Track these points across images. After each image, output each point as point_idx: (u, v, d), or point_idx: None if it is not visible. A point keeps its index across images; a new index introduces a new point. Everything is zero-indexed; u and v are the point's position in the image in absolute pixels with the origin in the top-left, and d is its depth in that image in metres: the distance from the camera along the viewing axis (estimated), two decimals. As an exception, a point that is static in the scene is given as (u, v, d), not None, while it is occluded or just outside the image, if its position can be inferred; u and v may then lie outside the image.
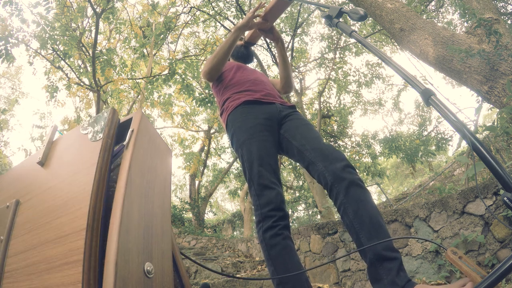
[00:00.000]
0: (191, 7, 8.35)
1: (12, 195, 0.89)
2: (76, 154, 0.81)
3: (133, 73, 9.06)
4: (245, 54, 1.71)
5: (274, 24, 1.57)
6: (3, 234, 0.80)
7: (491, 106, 3.15)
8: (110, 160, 0.76)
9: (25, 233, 0.76)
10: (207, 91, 7.36)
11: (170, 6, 9.23)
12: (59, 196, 0.75)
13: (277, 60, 1.68)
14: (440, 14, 8.29)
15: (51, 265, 0.63)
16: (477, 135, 3.18)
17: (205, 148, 12.44)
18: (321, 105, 10.55)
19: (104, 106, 8.32)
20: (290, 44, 8.86)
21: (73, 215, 0.67)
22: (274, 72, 11.05)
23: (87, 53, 7.77)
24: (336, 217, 6.78)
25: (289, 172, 12.96)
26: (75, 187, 0.72)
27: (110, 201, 0.76)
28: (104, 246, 0.71)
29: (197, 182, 12.09)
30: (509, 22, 4.96)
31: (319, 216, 8.81)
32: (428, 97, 0.72)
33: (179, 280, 0.94)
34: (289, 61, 1.67)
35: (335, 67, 10.74)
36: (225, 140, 13.24)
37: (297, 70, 11.19)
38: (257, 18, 1.49)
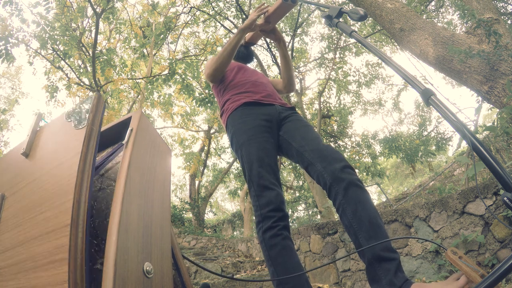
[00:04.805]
0: (191, 7, 8.34)
1: (-3, 189, 0.84)
2: (60, 143, 0.77)
3: (133, 73, 9.05)
4: (245, 54, 1.72)
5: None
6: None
7: (491, 106, 3.15)
8: (96, 149, 0.73)
9: (11, 229, 0.72)
10: (207, 91, 7.36)
11: (170, 6, 9.23)
12: (44, 189, 0.71)
13: (278, 60, 1.69)
14: (440, 14, 8.29)
15: (37, 263, 0.61)
16: (477, 135, 3.18)
17: (205, 148, 12.45)
18: (321, 105, 10.54)
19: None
20: (290, 44, 8.86)
21: (57, 209, 0.64)
22: (274, 72, 11.05)
23: (87, 53, 7.76)
24: (336, 217, 6.77)
25: (289, 172, 12.96)
26: (59, 179, 0.69)
27: (109, 200, 0.75)
28: (98, 244, 0.70)
29: (197, 182, 12.09)
30: (509, 22, 4.96)
31: (319, 216, 8.80)
32: (428, 97, 0.72)
33: (180, 279, 0.94)
34: (291, 60, 1.67)
35: (335, 67, 10.72)
36: (225, 140, 13.25)
37: (297, 70, 11.19)
38: (260, 19, 1.49)
